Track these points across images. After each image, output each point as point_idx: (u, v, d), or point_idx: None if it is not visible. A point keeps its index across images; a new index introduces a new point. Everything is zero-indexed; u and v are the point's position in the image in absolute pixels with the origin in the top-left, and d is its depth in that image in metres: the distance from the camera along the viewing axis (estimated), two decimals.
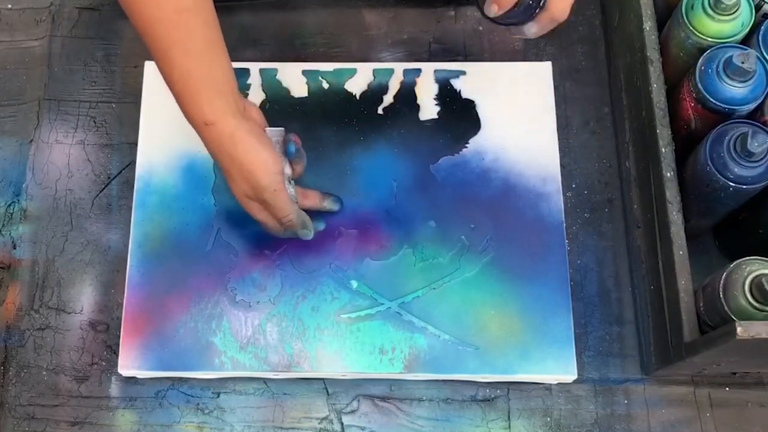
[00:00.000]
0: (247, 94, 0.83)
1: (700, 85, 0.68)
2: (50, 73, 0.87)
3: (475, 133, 0.81)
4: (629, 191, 0.79)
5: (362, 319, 0.75)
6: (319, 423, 0.75)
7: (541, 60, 0.86)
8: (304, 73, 0.84)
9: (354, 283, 0.76)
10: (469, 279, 0.76)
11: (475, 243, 0.77)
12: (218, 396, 0.76)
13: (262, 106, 0.82)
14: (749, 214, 0.73)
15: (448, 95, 0.83)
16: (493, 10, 0.66)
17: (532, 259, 0.76)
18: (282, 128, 0.72)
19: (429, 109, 0.82)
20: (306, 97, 0.83)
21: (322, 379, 0.76)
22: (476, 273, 0.76)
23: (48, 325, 0.78)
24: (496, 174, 0.80)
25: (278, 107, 0.82)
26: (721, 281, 0.63)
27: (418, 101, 0.83)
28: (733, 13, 0.69)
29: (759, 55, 0.68)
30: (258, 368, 0.74)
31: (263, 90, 0.83)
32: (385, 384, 0.76)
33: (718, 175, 0.66)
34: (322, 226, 0.77)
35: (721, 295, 0.62)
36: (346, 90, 0.83)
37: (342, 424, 0.75)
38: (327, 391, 0.76)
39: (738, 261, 0.63)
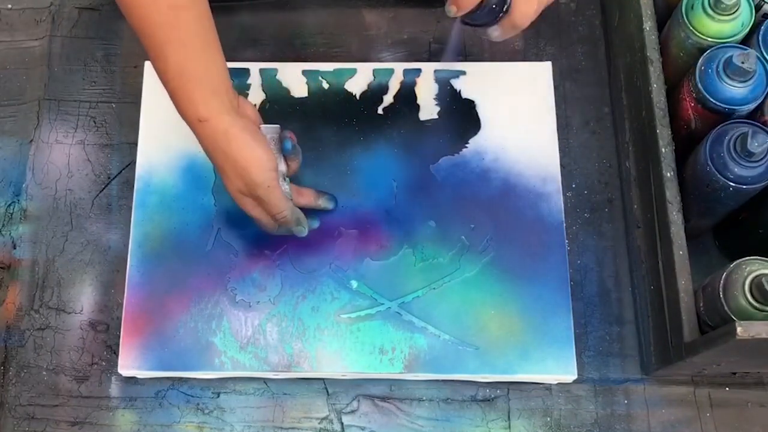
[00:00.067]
0: (247, 94, 0.83)
1: (700, 85, 0.68)
2: (50, 73, 0.87)
3: (475, 133, 0.81)
4: (629, 191, 0.79)
5: (362, 319, 0.75)
6: (319, 423, 0.75)
7: (541, 60, 0.86)
8: (304, 73, 0.84)
9: (354, 283, 0.76)
10: (469, 279, 0.76)
11: (475, 243, 0.77)
12: (218, 396, 0.76)
13: (262, 106, 0.82)
14: (749, 214, 0.73)
15: (448, 95, 0.83)
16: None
17: (532, 259, 0.76)
18: (277, 125, 0.72)
19: (429, 109, 0.82)
20: (306, 97, 0.83)
21: (322, 379, 0.76)
22: (476, 273, 0.76)
23: (48, 325, 0.78)
24: (496, 174, 0.80)
25: (278, 107, 0.82)
26: (721, 281, 0.63)
27: (418, 101, 0.83)
28: (733, 13, 0.69)
29: (759, 55, 0.68)
30: (258, 368, 0.74)
31: (263, 90, 0.83)
32: (385, 384, 0.76)
33: (718, 175, 0.66)
34: (316, 224, 0.77)
35: (721, 295, 0.62)
36: (346, 90, 0.83)
37: (342, 424, 0.75)
38: (327, 391, 0.76)
39: (738, 261, 0.63)
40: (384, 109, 0.83)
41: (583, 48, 0.88)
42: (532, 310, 0.75)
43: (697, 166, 0.68)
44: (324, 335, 0.75)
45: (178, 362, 0.74)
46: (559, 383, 0.76)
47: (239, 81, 0.83)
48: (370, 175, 0.80)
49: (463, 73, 0.84)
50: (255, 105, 0.82)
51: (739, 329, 0.58)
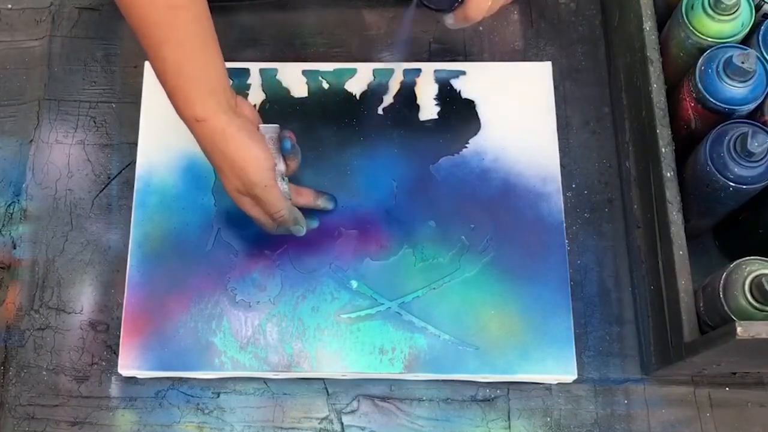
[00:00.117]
0: (247, 94, 0.83)
1: (700, 85, 0.68)
2: (50, 73, 0.87)
3: (475, 133, 0.81)
4: (629, 191, 0.79)
5: (362, 319, 0.75)
6: (319, 423, 0.75)
7: (541, 60, 0.86)
8: (304, 73, 0.84)
9: (354, 283, 0.76)
10: (469, 279, 0.76)
11: (475, 243, 0.77)
12: (218, 396, 0.76)
13: (262, 106, 0.82)
14: (749, 214, 0.73)
15: (448, 95, 0.83)
16: None
17: (532, 259, 0.76)
18: (277, 125, 0.72)
19: (429, 109, 0.82)
20: (306, 97, 0.83)
21: (322, 379, 0.76)
22: (476, 273, 0.76)
23: (48, 325, 0.78)
24: (496, 174, 0.80)
25: (278, 107, 0.82)
26: (721, 281, 0.63)
27: (418, 101, 0.83)
28: (733, 13, 0.69)
29: (759, 55, 0.68)
30: (258, 368, 0.74)
31: (263, 90, 0.83)
32: (385, 384, 0.76)
33: (718, 175, 0.66)
34: (315, 224, 0.77)
35: (721, 295, 0.62)
36: (346, 90, 0.83)
37: (342, 424, 0.75)
38: (327, 391, 0.76)
39: (738, 261, 0.63)
40: (384, 109, 0.83)
41: (583, 48, 0.88)
42: (532, 310, 0.75)
43: (697, 166, 0.68)
44: (324, 335, 0.75)
45: (178, 362, 0.74)
46: (559, 383, 0.76)
47: (239, 81, 0.83)
48: (370, 175, 0.80)
49: (463, 73, 0.84)
50: (255, 105, 0.82)
51: (739, 329, 0.58)
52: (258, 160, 0.67)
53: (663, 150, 0.71)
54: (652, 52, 0.73)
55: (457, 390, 0.76)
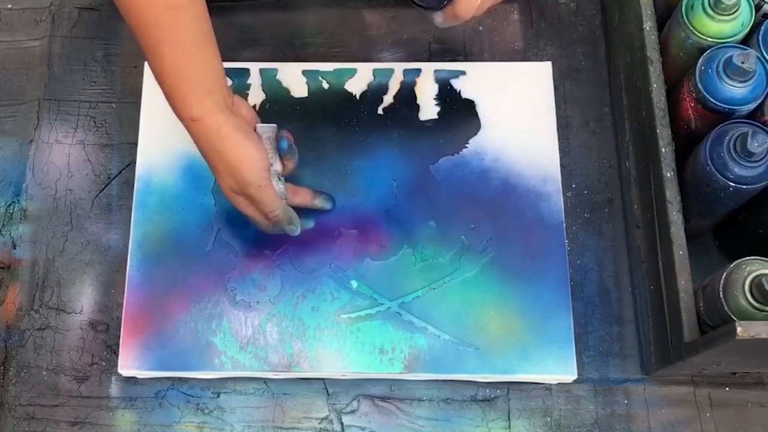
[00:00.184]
0: (247, 94, 0.83)
1: (700, 85, 0.68)
2: (50, 73, 0.87)
3: (475, 133, 0.81)
4: (629, 191, 0.79)
5: (362, 319, 0.75)
6: (319, 423, 0.75)
7: (541, 60, 0.86)
8: (304, 73, 0.84)
9: (354, 283, 0.76)
10: (469, 279, 0.76)
11: (475, 243, 0.77)
12: (218, 396, 0.76)
13: (262, 106, 0.82)
14: (749, 214, 0.73)
15: (448, 95, 0.83)
16: None
17: (532, 259, 0.76)
18: (274, 125, 0.72)
19: (429, 109, 0.82)
20: (306, 97, 0.83)
21: (322, 379, 0.76)
22: (476, 273, 0.76)
23: (48, 325, 0.78)
24: (496, 174, 0.80)
25: (278, 107, 0.82)
26: (721, 281, 0.63)
27: (418, 101, 0.83)
28: (733, 13, 0.69)
29: (759, 55, 0.68)
30: (258, 368, 0.74)
31: (263, 90, 0.83)
32: (385, 384, 0.76)
33: (718, 175, 0.66)
34: (311, 224, 0.77)
35: (721, 295, 0.62)
36: (346, 90, 0.83)
37: (342, 424, 0.75)
38: (327, 391, 0.76)
39: (738, 261, 0.63)
40: (384, 109, 0.83)
41: (583, 48, 0.88)
42: (532, 310, 0.75)
43: (697, 166, 0.68)
44: (324, 335, 0.75)
45: (178, 362, 0.74)
46: (559, 383, 0.76)
47: (239, 81, 0.83)
48: (370, 175, 0.80)
49: (463, 73, 0.84)
50: (255, 105, 0.82)
51: (739, 329, 0.58)
52: (252, 160, 0.67)
53: (663, 150, 0.71)
54: (652, 52, 0.73)
55: (457, 390, 0.76)
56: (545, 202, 0.78)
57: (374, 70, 0.84)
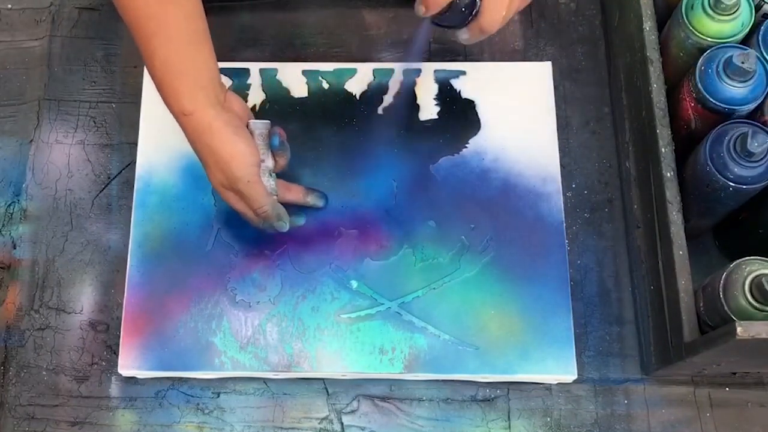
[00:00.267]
0: (247, 94, 0.83)
1: (700, 85, 0.68)
2: (50, 73, 0.87)
3: (475, 133, 0.81)
4: (629, 191, 0.79)
5: (362, 319, 0.75)
6: (319, 423, 0.75)
7: (541, 60, 0.86)
8: (304, 73, 0.84)
9: (354, 283, 0.76)
10: (469, 279, 0.76)
11: (475, 243, 0.77)
12: (218, 396, 0.76)
13: (262, 106, 0.82)
14: (749, 214, 0.73)
15: (448, 95, 0.83)
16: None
17: (532, 259, 0.76)
18: (268, 121, 0.72)
19: (429, 109, 0.82)
20: (306, 97, 0.83)
21: (322, 379, 0.76)
22: (476, 273, 0.76)
23: (48, 325, 0.78)
24: (496, 174, 0.80)
25: (278, 107, 0.82)
26: (721, 281, 0.63)
27: (418, 101, 0.83)
28: (733, 13, 0.69)
29: (759, 55, 0.68)
30: (258, 368, 0.74)
31: (263, 90, 0.83)
32: (385, 384, 0.76)
33: (718, 175, 0.66)
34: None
35: (721, 295, 0.62)
36: (346, 90, 0.83)
37: (342, 424, 0.75)
38: (327, 391, 0.76)
39: (738, 261, 0.63)
40: (384, 109, 0.83)
41: (583, 48, 0.88)
42: (532, 310, 0.75)
43: (697, 166, 0.68)
44: (324, 335, 0.75)
45: (178, 362, 0.74)
46: (559, 383, 0.76)
47: (239, 81, 0.83)
48: (370, 175, 0.80)
49: (463, 73, 0.84)
50: (255, 105, 0.82)
51: (739, 329, 0.58)
52: (242, 155, 0.67)
53: (663, 150, 0.71)
54: (652, 52, 0.73)
55: (457, 390, 0.76)
56: (545, 202, 0.78)
57: (374, 70, 0.84)
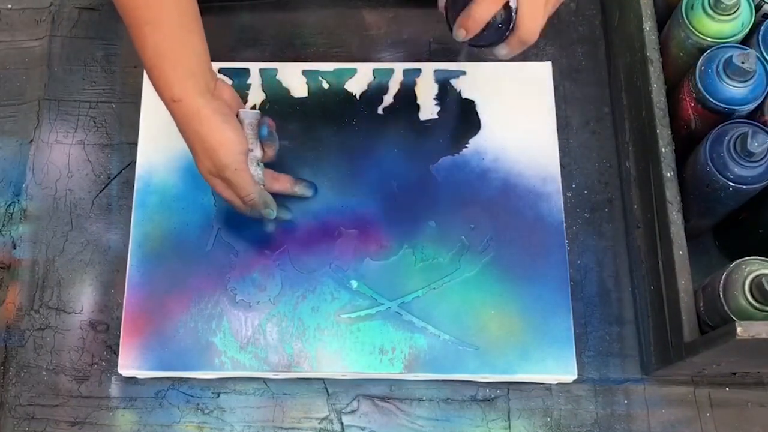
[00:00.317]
0: (247, 94, 0.83)
1: (700, 85, 0.68)
2: (50, 73, 0.87)
3: (475, 133, 0.81)
4: (629, 191, 0.79)
5: (362, 319, 0.75)
6: (319, 423, 0.75)
7: (541, 60, 0.86)
8: (304, 73, 0.84)
9: (354, 283, 0.76)
10: (469, 279, 0.76)
11: (475, 243, 0.77)
12: (218, 396, 0.76)
13: (262, 106, 0.82)
14: (749, 214, 0.73)
15: (448, 95, 0.83)
16: (461, 35, 0.66)
17: (532, 259, 0.76)
18: (258, 111, 0.73)
19: (429, 109, 0.82)
20: (306, 97, 0.83)
21: (322, 379, 0.76)
22: (476, 273, 0.76)
23: (48, 325, 0.78)
24: (496, 174, 0.80)
25: (278, 107, 0.82)
26: (721, 281, 0.63)
27: (418, 101, 0.83)
28: (733, 13, 0.69)
29: (759, 55, 0.68)
30: (258, 368, 0.74)
31: (263, 90, 0.83)
32: (385, 384, 0.76)
33: (718, 175, 0.66)
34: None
35: (721, 295, 0.62)
36: (346, 90, 0.83)
37: (342, 424, 0.75)
38: (327, 391, 0.76)
39: (738, 261, 0.63)
40: (384, 109, 0.83)
41: (583, 48, 0.88)
42: (532, 310, 0.75)
43: (697, 166, 0.68)
44: (324, 335, 0.75)
45: (178, 362, 0.74)
46: (559, 383, 0.76)
47: (239, 81, 0.83)
48: (370, 175, 0.80)
49: (463, 73, 0.84)
50: (255, 105, 0.82)
51: (739, 329, 0.58)
52: (230, 143, 0.68)
53: (663, 150, 0.71)
54: (652, 52, 0.74)
55: (457, 390, 0.76)
56: (545, 202, 0.78)
57: (374, 70, 0.84)
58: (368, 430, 0.75)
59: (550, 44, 0.87)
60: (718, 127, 0.67)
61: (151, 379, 0.76)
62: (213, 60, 0.69)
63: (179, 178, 0.80)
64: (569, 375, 0.73)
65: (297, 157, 0.80)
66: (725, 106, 0.68)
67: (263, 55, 0.87)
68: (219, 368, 0.74)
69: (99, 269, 0.80)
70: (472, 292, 0.75)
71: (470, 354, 0.74)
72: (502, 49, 0.69)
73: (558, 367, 0.73)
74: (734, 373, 0.75)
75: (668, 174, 0.70)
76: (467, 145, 0.81)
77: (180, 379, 0.76)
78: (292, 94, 0.83)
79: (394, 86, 0.83)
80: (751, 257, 0.63)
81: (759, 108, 0.69)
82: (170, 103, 0.67)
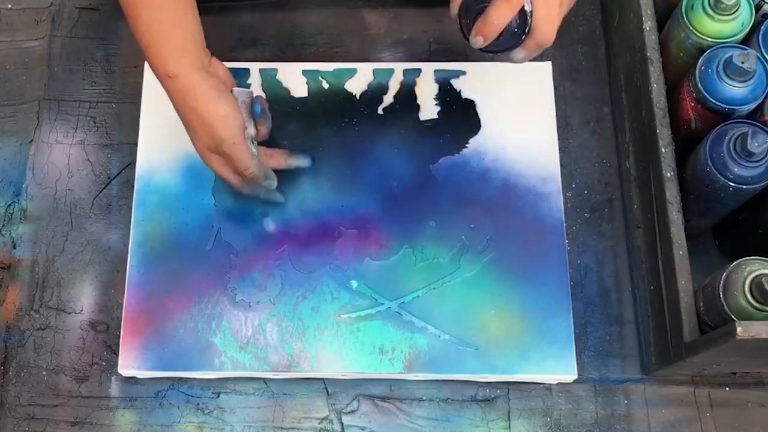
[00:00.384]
0: None
1: (700, 85, 0.68)
2: (50, 73, 0.87)
3: (475, 133, 0.81)
4: (629, 191, 0.79)
5: (362, 319, 0.75)
6: (319, 423, 0.75)
7: (541, 60, 0.86)
8: (304, 73, 0.84)
9: (354, 283, 0.76)
10: (469, 279, 0.76)
11: (475, 243, 0.77)
12: (218, 396, 0.76)
13: None
14: (749, 214, 0.73)
15: (448, 95, 0.83)
16: (479, 42, 0.66)
17: (532, 259, 0.76)
18: (251, 90, 0.73)
19: (429, 109, 0.82)
20: (306, 97, 0.83)
21: (322, 379, 0.76)
22: (476, 273, 0.76)
23: (48, 325, 0.78)
24: (496, 174, 0.80)
25: (278, 107, 0.82)
26: (721, 281, 0.63)
27: (418, 101, 0.83)
28: (733, 13, 0.69)
29: (759, 55, 0.68)
30: (258, 368, 0.74)
31: (263, 90, 0.83)
32: (385, 384, 0.76)
33: (718, 175, 0.66)
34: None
35: (721, 295, 0.62)
36: (346, 90, 0.83)
37: (342, 424, 0.75)
38: (327, 391, 0.76)
39: (738, 261, 0.63)
40: (384, 109, 0.83)
41: (583, 48, 0.88)
42: (532, 310, 0.75)
43: (697, 166, 0.68)
44: (324, 335, 0.75)
45: (178, 362, 0.74)
46: (559, 383, 0.76)
47: (239, 81, 0.83)
48: (370, 175, 0.80)
49: (463, 73, 0.84)
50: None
51: (739, 329, 0.58)
52: (227, 117, 0.68)
53: (663, 150, 0.71)
54: (652, 52, 0.73)
55: (457, 390, 0.76)
56: (545, 202, 0.78)
57: (374, 70, 0.84)
58: (368, 430, 0.75)
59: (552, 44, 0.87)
60: (718, 127, 0.67)
61: (151, 379, 0.76)
62: None
63: (179, 178, 0.80)
64: (569, 375, 0.73)
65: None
66: (725, 106, 0.68)
67: (263, 55, 0.87)
68: (219, 368, 0.74)
69: (99, 269, 0.80)
70: (472, 292, 0.75)
71: (470, 354, 0.74)
72: (518, 54, 0.68)
73: (558, 367, 0.73)
74: (734, 373, 0.75)
75: (668, 174, 0.70)
76: (467, 145, 0.81)
77: (180, 379, 0.76)
78: (292, 94, 0.83)
79: (394, 86, 0.83)
80: (751, 257, 0.63)
81: (759, 108, 0.69)
82: (165, 80, 0.67)
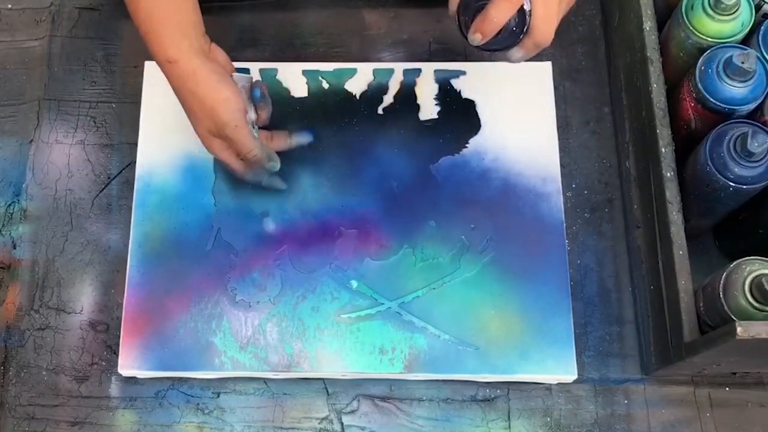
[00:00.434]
0: None
1: (700, 85, 0.68)
2: (50, 73, 0.87)
3: (475, 133, 0.81)
4: (629, 191, 0.79)
5: (362, 319, 0.75)
6: (319, 423, 0.75)
7: (541, 60, 0.86)
8: (304, 73, 0.84)
9: (354, 283, 0.76)
10: (469, 279, 0.76)
11: (475, 243, 0.77)
12: (218, 396, 0.76)
13: None
14: (749, 214, 0.73)
15: (448, 95, 0.83)
16: (477, 39, 0.66)
17: (532, 259, 0.76)
18: (250, 75, 0.73)
19: (429, 109, 0.82)
20: (306, 97, 0.83)
21: (322, 379, 0.76)
22: (476, 273, 0.76)
23: (48, 325, 0.78)
24: (496, 174, 0.80)
25: (278, 107, 0.82)
26: (721, 281, 0.63)
27: (418, 101, 0.83)
28: (733, 13, 0.69)
29: (759, 55, 0.68)
30: (258, 368, 0.74)
31: None
32: (385, 384, 0.76)
33: (718, 175, 0.66)
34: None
35: (721, 295, 0.62)
36: (346, 90, 0.83)
37: (342, 424, 0.75)
38: (327, 391, 0.76)
39: (738, 261, 0.63)
40: (384, 109, 0.83)
41: (583, 48, 0.88)
42: (532, 310, 0.75)
43: (697, 166, 0.68)
44: (324, 335, 0.75)
45: (178, 362, 0.74)
46: (559, 383, 0.76)
47: None
48: (370, 175, 0.80)
49: (463, 73, 0.84)
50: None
51: (739, 329, 0.58)
52: (228, 100, 0.68)
53: (663, 150, 0.71)
54: (652, 52, 0.74)
55: (457, 390, 0.76)
56: (545, 202, 0.78)
57: (374, 70, 0.84)
58: (368, 430, 0.75)
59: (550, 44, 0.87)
60: (718, 127, 0.67)
61: (151, 379, 0.76)
62: None
63: (179, 178, 0.80)
64: (569, 375, 0.73)
65: (297, 158, 0.80)
66: (725, 106, 0.68)
67: (263, 55, 0.87)
68: (219, 368, 0.74)
69: (99, 269, 0.80)
70: (472, 292, 0.75)
71: (470, 354, 0.74)
72: (516, 53, 0.68)
73: (558, 367, 0.73)
74: (734, 373, 0.75)
75: (668, 174, 0.70)
76: (467, 145, 0.81)
77: (180, 379, 0.76)
78: (292, 94, 0.83)
79: (394, 86, 0.83)
80: (751, 257, 0.63)
81: (759, 108, 0.69)
82: (166, 65, 0.68)
